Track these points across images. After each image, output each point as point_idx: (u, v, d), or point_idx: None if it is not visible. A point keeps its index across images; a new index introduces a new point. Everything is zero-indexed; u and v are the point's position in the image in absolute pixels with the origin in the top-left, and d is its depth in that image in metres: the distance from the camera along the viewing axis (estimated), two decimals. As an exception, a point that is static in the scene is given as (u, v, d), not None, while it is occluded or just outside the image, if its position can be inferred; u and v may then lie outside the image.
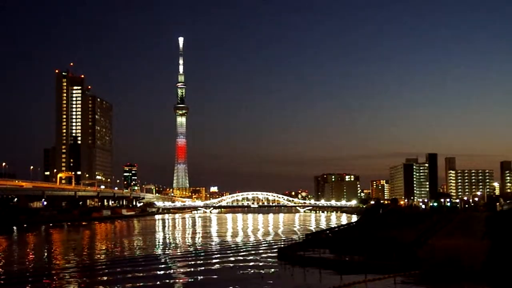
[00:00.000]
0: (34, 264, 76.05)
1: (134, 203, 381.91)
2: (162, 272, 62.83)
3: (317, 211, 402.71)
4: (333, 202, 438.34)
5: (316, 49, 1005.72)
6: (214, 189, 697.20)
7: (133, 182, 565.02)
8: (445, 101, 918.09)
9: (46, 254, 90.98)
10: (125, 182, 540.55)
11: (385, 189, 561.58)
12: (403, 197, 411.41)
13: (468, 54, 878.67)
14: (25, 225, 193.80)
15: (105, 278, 58.72)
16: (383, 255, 65.51)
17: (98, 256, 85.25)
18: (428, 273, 56.28)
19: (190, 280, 57.62)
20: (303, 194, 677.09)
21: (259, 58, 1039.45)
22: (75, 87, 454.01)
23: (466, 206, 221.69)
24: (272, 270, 64.60)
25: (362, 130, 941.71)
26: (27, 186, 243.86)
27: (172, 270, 63.96)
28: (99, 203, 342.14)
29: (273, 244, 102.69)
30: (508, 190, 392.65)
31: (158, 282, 53.74)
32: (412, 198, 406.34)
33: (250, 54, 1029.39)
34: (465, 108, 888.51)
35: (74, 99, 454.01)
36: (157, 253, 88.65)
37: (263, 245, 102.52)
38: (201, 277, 59.66)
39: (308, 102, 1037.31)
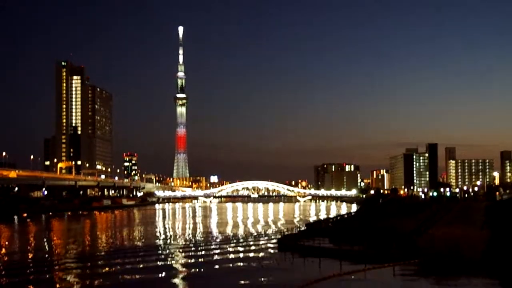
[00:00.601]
0: (35, 253, 76.14)
1: (134, 193, 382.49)
2: (162, 263, 62.26)
3: (317, 201, 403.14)
4: (333, 192, 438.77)
5: (317, 41, 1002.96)
6: (214, 178, 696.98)
7: (133, 171, 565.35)
8: (445, 91, 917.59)
9: (47, 243, 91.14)
10: (125, 172, 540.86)
11: (385, 179, 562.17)
12: (403, 187, 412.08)
13: (467, 45, 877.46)
14: (25, 214, 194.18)
15: (106, 268, 58.40)
16: (383, 245, 65.66)
17: (99, 246, 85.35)
18: (428, 262, 56.43)
19: (190, 271, 57.47)
20: (303, 184, 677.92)
21: (259, 49, 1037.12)
22: (74, 77, 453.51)
23: (466, 195, 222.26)
24: (272, 259, 64.72)
25: (362, 120, 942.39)
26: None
27: (172, 262, 63.42)
28: (100, 193, 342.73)
29: (273, 233, 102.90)
30: (508, 180, 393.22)
31: (158, 274, 53.18)
32: (412, 187, 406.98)
33: (250, 45, 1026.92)
34: (465, 98, 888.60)
35: (73, 89, 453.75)
36: (157, 243, 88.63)
37: (263, 234, 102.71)
38: (202, 267, 59.48)
39: (309, 92, 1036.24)
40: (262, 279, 50.57)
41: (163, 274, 53.45)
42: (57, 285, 47.27)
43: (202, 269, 58.24)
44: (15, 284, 48.72)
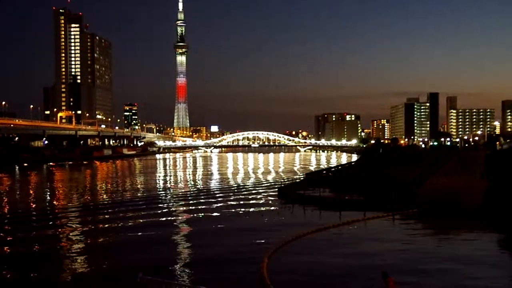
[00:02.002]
0: (37, 203, 76.31)
1: (135, 143, 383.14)
2: (163, 218, 60.46)
3: (318, 151, 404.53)
4: (334, 142, 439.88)
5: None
6: (214, 128, 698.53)
7: (134, 121, 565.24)
8: (447, 40, 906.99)
9: (48, 193, 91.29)
10: (126, 122, 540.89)
11: (386, 128, 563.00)
12: (403, 137, 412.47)
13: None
14: (26, 164, 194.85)
15: (106, 224, 57.21)
16: (383, 194, 65.80)
17: (100, 198, 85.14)
18: (427, 212, 56.61)
19: (191, 228, 55.91)
20: (304, 133, 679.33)
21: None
22: (73, 25, 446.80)
23: (466, 145, 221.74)
24: (272, 208, 64.84)
25: (363, 69, 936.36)
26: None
27: (173, 216, 61.75)
28: (100, 143, 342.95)
29: (273, 183, 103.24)
30: (509, 129, 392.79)
31: (158, 231, 51.03)
32: (412, 137, 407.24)
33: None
34: (467, 47, 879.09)
35: (72, 37, 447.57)
36: (158, 193, 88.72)
37: (264, 184, 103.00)
38: (203, 217, 59.12)
39: (309, 42, 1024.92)
40: (263, 232, 50.02)
41: (163, 231, 51.54)
42: (60, 244, 46.58)
43: (202, 218, 58.10)
44: (18, 241, 47.90)
